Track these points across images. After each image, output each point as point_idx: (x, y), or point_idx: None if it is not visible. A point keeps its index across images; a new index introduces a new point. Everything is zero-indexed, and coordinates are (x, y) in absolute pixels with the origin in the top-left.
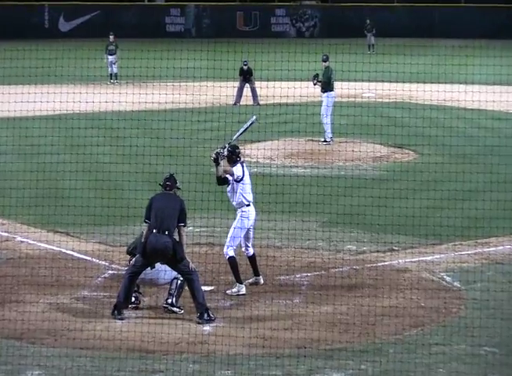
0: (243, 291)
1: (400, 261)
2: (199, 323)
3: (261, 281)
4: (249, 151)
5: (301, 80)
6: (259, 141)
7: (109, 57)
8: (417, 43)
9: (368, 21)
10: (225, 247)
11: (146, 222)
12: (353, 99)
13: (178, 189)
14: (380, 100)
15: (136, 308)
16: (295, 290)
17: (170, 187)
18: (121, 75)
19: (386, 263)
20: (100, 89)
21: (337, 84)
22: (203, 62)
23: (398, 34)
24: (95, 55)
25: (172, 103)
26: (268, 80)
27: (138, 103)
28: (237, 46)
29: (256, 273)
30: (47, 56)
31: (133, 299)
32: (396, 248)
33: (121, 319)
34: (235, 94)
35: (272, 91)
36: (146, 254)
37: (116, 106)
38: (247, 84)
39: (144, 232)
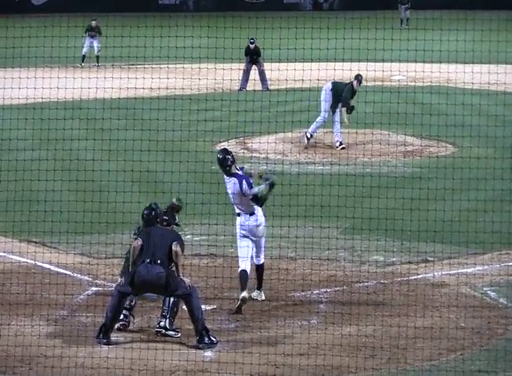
0: (242, 295)
1: (436, 274)
2: (199, 347)
3: (262, 297)
4: (257, 145)
5: (319, 60)
6: (269, 133)
7: (90, 40)
8: (456, 16)
9: None
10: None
11: (138, 240)
12: (380, 83)
13: (178, 225)
14: (413, 84)
15: (124, 328)
16: (312, 308)
17: (168, 224)
18: (106, 56)
19: (419, 276)
20: (81, 73)
21: (361, 65)
22: (203, 40)
23: (433, 6)
24: (74, 33)
25: (166, 88)
26: (279, 61)
27: (125, 89)
28: (242, 21)
29: (258, 286)
30: (18, 34)
31: (121, 316)
32: (431, 259)
33: (108, 343)
34: (240, 78)
35: (284, 74)
36: (133, 285)
37: (99, 92)
38: (255, 67)
39: (131, 251)
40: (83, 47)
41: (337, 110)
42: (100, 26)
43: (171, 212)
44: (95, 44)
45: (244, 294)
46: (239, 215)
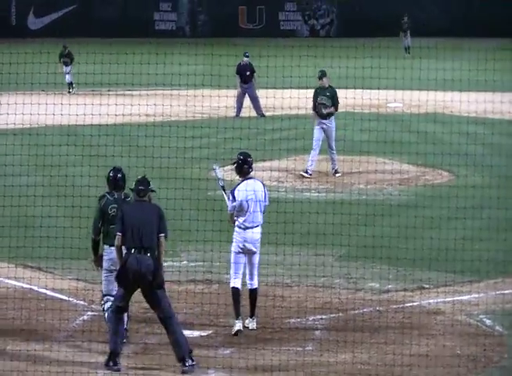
0: (236, 327)
1: (431, 301)
2: (184, 372)
3: (253, 326)
4: (253, 172)
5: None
6: (264, 160)
7: (65, 68)
8: (451, 45)
9: (405, 18)
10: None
11: (117, 235)
12: (376, 111)
13: (153, 191)
14: (409, 111)
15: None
16: (307, 335)
17: (144, 193)
18: (101, 82)
19: (415, 304)
20: (77, 99)
21: (357, 93)
22: (199, 67)
23: (429, 33)
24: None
25: (162, 115)
26: (275, 88)
27: (121, 116)
28: (238, 49)
29: (251, 313)
30: (14, 60)
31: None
32: (427, 286)
33: (118, 370)
34: (235, 104)
35: (279, 101)
36: (127, 280)
37: (96, 118)
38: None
39: (116, 251)
40: (65, 75)
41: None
42: (72, 52)
43: (145, 180)
44: (68, 70)
45: (238, 326)
46: (240, 227)
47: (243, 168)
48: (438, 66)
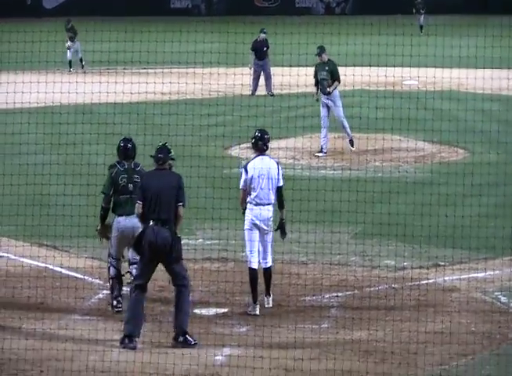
0: (257, 311)
1: (447, 278)
2: (173, 345)
3: (269, 304)
4: (268, 150)
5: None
6: (280, 138)
7: (68, 44)
8: (467, 22)
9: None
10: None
11: (138, 203)
12: (391, 88)
13: (173, 159)
14: (424, 89)
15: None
16: (323, 313)
17: (163, 161)
18: (117, 61)
19: (430, 281)
20: (92, 78)
21: (372, 70)
22: (214, 45)
23: (445, 11)
24: (85, 37)
25: (178, 93)
26: (290, 66)
27: (137, 94)
28: (254, 27)
29: (266, 292)
30: (29, 38)
31: (115, 303)
32: (442, 264)
33: (134, 348)
34: (251, 82)
35: (295, 79)
36: (144, 251)
37: (111, 97)
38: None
39: (137, 217)
40: (67, 53)
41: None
42: (75, 27)
43: (165, 148)
44: (78, 47)
45: (257, 311)
46: (251, 203)
47: (258, 144)
48: (454, 44)
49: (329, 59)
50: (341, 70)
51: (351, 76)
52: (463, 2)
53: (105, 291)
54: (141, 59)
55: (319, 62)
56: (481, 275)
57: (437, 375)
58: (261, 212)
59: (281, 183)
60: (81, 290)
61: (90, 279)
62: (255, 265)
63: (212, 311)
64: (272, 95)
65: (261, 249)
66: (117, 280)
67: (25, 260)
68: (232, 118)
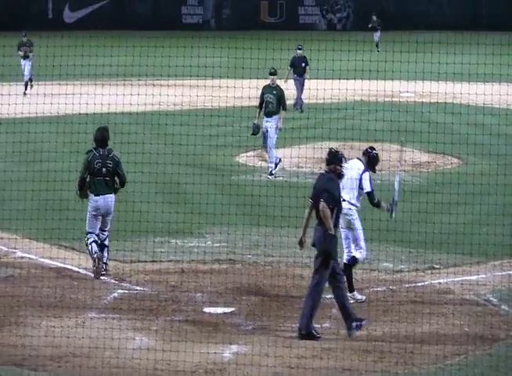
0: (360, 297)
1: (441, 281)
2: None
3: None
4: (274, 157)
5: (332, 78)
6: (284, 147)
7: (22, 61)
8: (461, 40)
9: (374, 17)
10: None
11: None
12: (389, 100)
13: (341, 166)
14: (420, 101)
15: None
16: (325, 313)
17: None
18: (132, 74)
19: (426, 283)
20: (109, 89)
21: (371, 84)
22: (224, 59)
23: (439, 27)
24: (103, 52)
25: (189, 104)
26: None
27: (150, 105)
28: (261, 42)
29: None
30: (51, 52)
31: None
32: (437, 267)
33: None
34: (295, 95)
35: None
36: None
37: (126, 107)
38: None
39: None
40: (23, 75)
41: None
42: (32, 41)
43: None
44: (27, 64)
45: (361, 297)
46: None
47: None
48: (448, 60)
49: (278, 85)
50: (342, 83)
51: (352, 88)
52: (458, 20)
53: (120, 290)
54: (155, 72)
55: (268, 84)
56: (473, 278)
57: (432, 373)
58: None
59: (366, 190)
60: (97, 289)
61: (106, 278)
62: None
63: (220, 310)
64: (301, 111)
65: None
66: (95, 243)
67: (45, 260)
68: (239, 129)
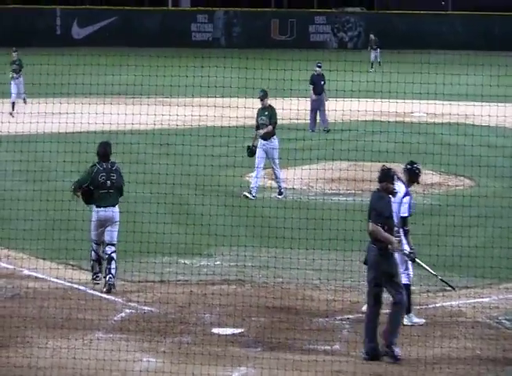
0: (418, 320)
1: (453, 303)
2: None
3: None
4: (283, 176)
5: (343, 98)
6: (295, 166)
7: (14, 80)
8: (474, 59)
9: (372, 36)
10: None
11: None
12: (401, 119)
13: (392, 184)
14: (432, 121)
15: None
16: (335, 334)
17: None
18: (142, 94)
19: (437, 305)
20: (118, 108)
21: (383, 104)
22: (234, 79)
23: (452, 46)
24: (112, 70)
25: (198, 124)
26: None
27: (160, 124)
28: (272, 63)
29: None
30: (59, 70)
31: (94, 276)
32: (449, 289)
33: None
34: (309, 116)
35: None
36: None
37: (135, 126)
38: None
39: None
40: (11, 94)
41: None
42: (21, 60)
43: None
44: (22, 81)
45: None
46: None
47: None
48: (461, 81)
49: (270, 105)
50: (354, 103)
51: (363, 109)
52: (470, 39)
53: (127, 310)
54: (164, 92)
55: (261, 106)
56: (486, 300)
57: None
58: None
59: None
60: (104, 309)
61: (113, 298)
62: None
63: (229, 331)
64: (328, 130)
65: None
66: (96, 261)
67: (52, 279)
68: (248, 148)
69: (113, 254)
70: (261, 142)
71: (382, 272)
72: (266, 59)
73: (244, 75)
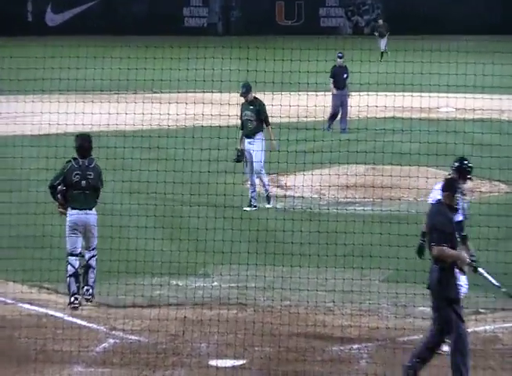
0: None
1: (487, 328)
2: None
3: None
4: (291, 182)
5: (359, 92)
6: (304, 170)
7: None
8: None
9: (381, 22)
10: None
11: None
12: (426, 115)
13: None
14: (462, 117)
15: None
16: (352, 366)
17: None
18: (127, 90)
19: (469, 330)
20: (101, 106)
21: (405, 98)
22: (233, 72)
23: (475, 31)
24: (93, 63)
25: (193, 122)
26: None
27: (148, 125)
28: (277, 52)
29: None
30: (32, 63)
31: (72, 299)
32: (483, 311)
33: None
34: (330, 112)
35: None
36: None
37: (120, 127)
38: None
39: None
40: None
41: None
42: None
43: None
44: None
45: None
46: None
47: None
48: (495, 71)
49: (255, 98)
50: (372, 98)
51: (383, 104)
52: (498, 22)
53: (111, 340)
54: (153, 87)
55: (245, 101)
56: None
57: None
58: None
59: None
60: (84, 339)
61: (95, 326)
62: None
63: (229, 363)
64: (346, 132)
65: None
66: (73, 276)
67: (23, 305)
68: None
69: (92, 261)
70: (246, 141)
71: (441, 298)
72: (270, 48)
73: (245, 67)
